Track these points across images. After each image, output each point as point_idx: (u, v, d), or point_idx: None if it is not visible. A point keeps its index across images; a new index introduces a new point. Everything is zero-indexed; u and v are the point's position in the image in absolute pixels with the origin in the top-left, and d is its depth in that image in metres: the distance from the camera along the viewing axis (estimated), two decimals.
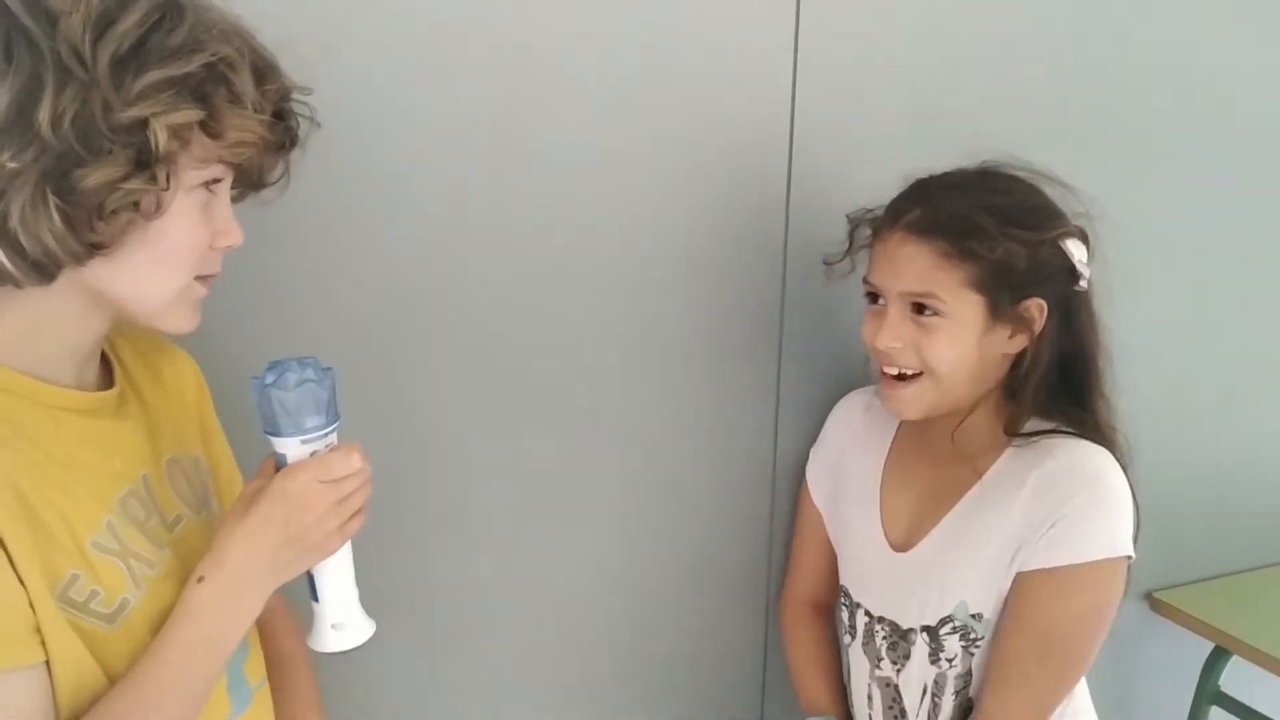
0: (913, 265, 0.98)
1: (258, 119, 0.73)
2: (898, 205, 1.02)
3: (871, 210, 1.07)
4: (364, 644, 0.82)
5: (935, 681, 1.03)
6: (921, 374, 1.00)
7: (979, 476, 1.02)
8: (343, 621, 0.81)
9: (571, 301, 1.18)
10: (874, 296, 1.04)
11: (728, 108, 1.19)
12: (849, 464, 1.16)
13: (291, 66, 0.78)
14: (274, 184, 0.83)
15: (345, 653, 0.82)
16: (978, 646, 1.01)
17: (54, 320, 0.73)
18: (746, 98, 1.20)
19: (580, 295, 1.18)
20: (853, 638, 1.11)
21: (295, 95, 0.79)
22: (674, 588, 1.33)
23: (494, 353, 1.15)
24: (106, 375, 0.81)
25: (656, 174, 1.18)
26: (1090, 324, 1.03)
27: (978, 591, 1.00)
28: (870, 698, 1.10)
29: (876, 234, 1.04)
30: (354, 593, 0.82)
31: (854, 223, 1.10)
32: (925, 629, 1.03)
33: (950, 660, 1.02)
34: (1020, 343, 1.00)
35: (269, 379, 0.76)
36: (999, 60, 1.34)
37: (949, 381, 0.99)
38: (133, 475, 0.78)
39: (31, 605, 0.67)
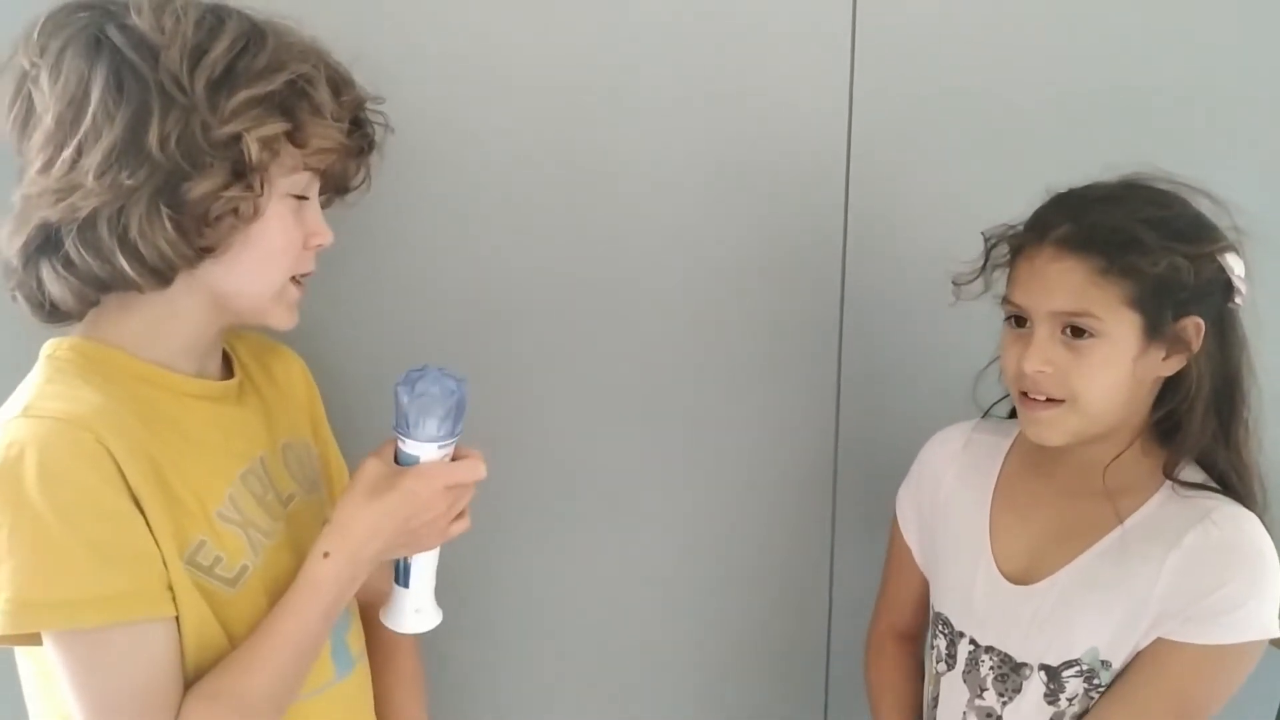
0: (1066, 282, 0.92)
1: (337, 127, 0.82)
2: (1044, 219, 0.96)
3: (1013, 226, 1.01)
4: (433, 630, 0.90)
5: None
6: (1064, 400, 0.94)
7: (1120, 519, 0.96)
8: (423, 607, 0.89)
9: (636, 308, 1.21)
10: (1017, 320, 0.98)
11: (785, 115, 1.21)
12: (950, 499, 1.10)
13: (367, 80, 0.87)
14: (356, 188, 0.92)
15: (418, 635, 0.90)
16: (1099, 690, 0.97)
17: (178, 318, 0.82)
18: (803, 104, 1.21)
19: (643, 300, 1.21)
20: (950, 667, 1.07)
21: (370, 105, 0.88)
22: (736, 589, 1.33)
23: (562, 355, 1.19)
24: (227, 368, 0.91)
25: (716, 180, 1.20)
26: (1243, 349, 0.97)
27: (1110, 639, 0.95)
28: None
29: (1019, 251, 0.98)
30: (434, 583, 0.89)
31: (991, 240, 1.03)
32: (1045, 668, 0.98)
33: (1070, 700, 0.98)
34: (1174, 365, 0.94)
35: (420, 388, 0.82)
36: (1065, 68, 1.30)
37: (1096, 409, 0.94)
38: (252, 455, 0.87)
39: (165, 565, 0.76)
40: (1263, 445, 0.99)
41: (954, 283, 1.06)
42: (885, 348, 1.31)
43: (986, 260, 1.04)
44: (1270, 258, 0.98)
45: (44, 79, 0.74)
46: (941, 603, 1.09)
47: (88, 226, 0.75)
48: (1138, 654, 0.95)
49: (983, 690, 1.03)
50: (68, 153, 0.73)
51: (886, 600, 1.20)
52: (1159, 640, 0.94)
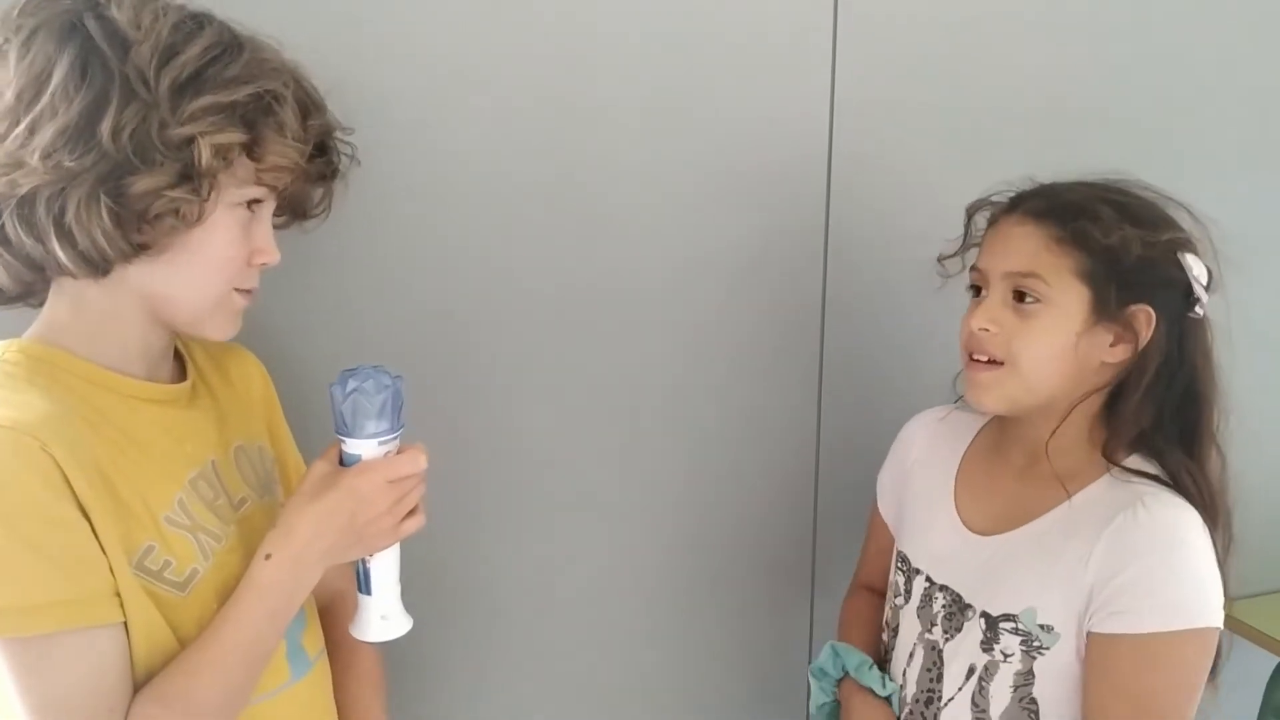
0: (1023, 246, 0.97)
1: (297, 148, 0.81)
2: (1021, 194, 1.03)
3: (993, 197, 1.07)
4: (403, 637, 0.89)
5: (985, 668, 1.02)
6: (1004, 363, 0.98)
7: (1069, 496, 0.99)
8: (389, 613, 0.88)
9: (618, 305, 1.22)
10: (978, 290, 1.03)
11: (767, 116, 1.23)
12: (920, 462, 1.16)
13: (345, 91, 0.87)
14: (316, 215, 0.92)
15: (385, 643, 0.89)
16: (1041, 653, 0.98)
17: (120, 320, 0.82)
18: (785, 104, 1.24)
19: (627, 298, 1.22)
20: (906, 601, 1.11)
21: (338, 134, 0.88)
22: (718, 582, 1.35)
23: (544, 353, 1.20)
24: (180, 370, 0.90)
25: (697, 180, 1.22)
26: (1205, 361, 0.99)
27: (1050, 605, 0.97)
28: (912, 655, 1.09)
29: (993, 221, 1.04)
30: (399, 588, 0.88)
31: (972, 211, 1.09)
32: (985, 615, 1.01)
33: (1006, 655, 1.00)
34: (1122, 353, 0.97)
35: (351, 385, 0.82)
36: (1043, 74, 1.35)
37: (1034, 376, 0.97)
38: (202, 459, 0.87)
39: (112, 571, 0.75)
40: (1228, 464, 1.01)
41: (939, 259, 1.10)
42: (867, 345, 1.34)
43: (967, 233, 1.08)
44: (1237, 274, 1.01)
45: (12, 55, 0.74)
46: (904, 543, 1.14)
47: (26, 204, 0.74)
48: (1080, 634, 0.97)
49: (932, 625, 1.07)
50: (20, 129, 0.73)
51: (863, 568, 1.27)
52: (1092, 637, 0.95)
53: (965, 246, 1.09)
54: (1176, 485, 0.97)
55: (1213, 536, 0.95)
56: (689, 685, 1.38)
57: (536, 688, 1.29)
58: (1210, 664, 0.94)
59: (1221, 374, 1.00)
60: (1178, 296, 0.97)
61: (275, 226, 0.87)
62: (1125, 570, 0.92)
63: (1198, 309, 0.98)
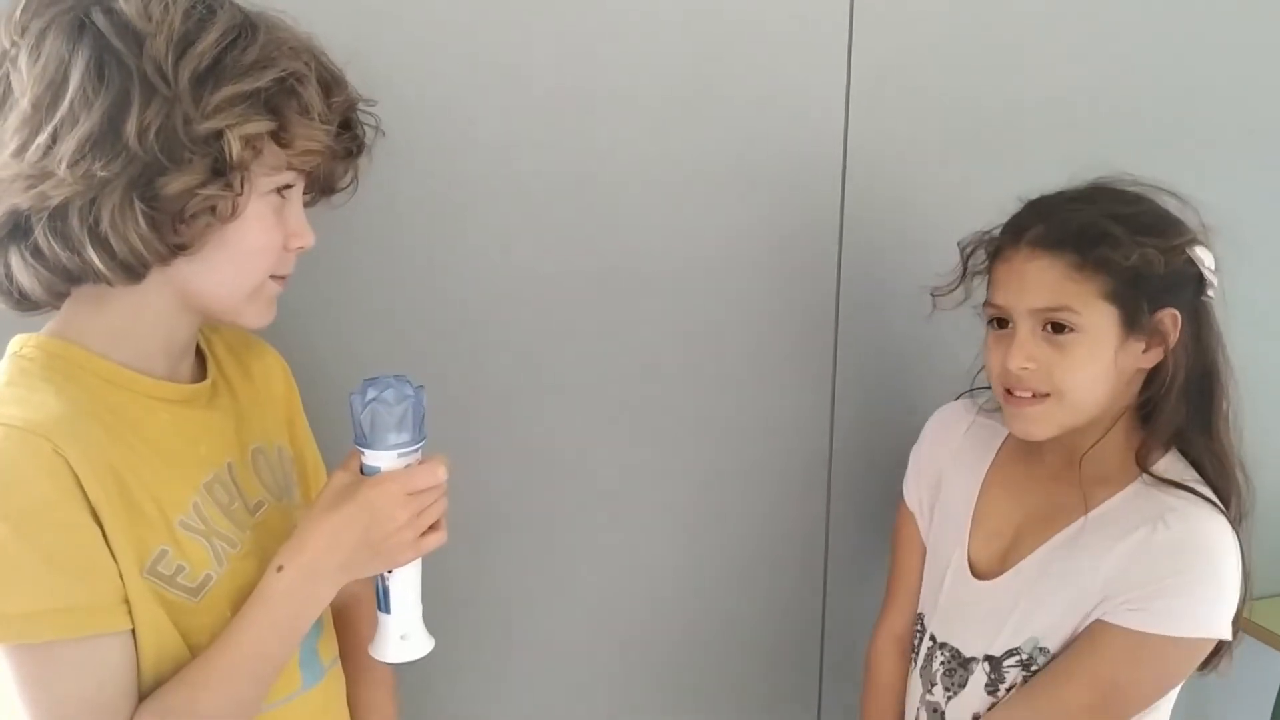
0: (1043, 280, 0.96)
1: (324, 129, 0.78)
2: (1018, 223, 1.01)
3: (987, 232, 1.05)
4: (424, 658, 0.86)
5: (990, 709, 1.00)
6: (1049, 395, 0.97)
7: (1085, 511, 0.99)
8: (409, 633, 0.84)
9: (630, 301, 1.20)
10: (999, 321, 1.01)
11: (782, 113, 1.21)
12: (946, 481, 1.13)
13: (361, 79, 0.84)
14: (343, 190, 0.89)
15: (406, 664, 0.85)
16: (1032, 670, 0.98)
17: (149, 317, 0.79)
18: (801, 105, 1.22)
19: (639, 294, 1.20)
20: (914, 663, 1.09)
21: (361, 106, 0.84)
22: (730, 585, 1.34)
23: (556, 351, 1.18)
24: (200, 368, 0.88)
25: (712, 178, 1.20)
26: (1215, 336, 1.01)
27: (1050, 627, 0.97)
28: None
29: (997, 255, 1.02)
30: (420, 607, 0.85)
31: (968, 248, 1.07)
32: (988, 658, 1.00)
33: (1009, 690, 0.99)
34: (1154, 357, 0.97)
35: (371, 394, 0.79)
36: (1059, 69, 1.33)
37: (1082, 402, 0.96)
38: (219, 462, 0.84)
39: (121, 577, 0.73)
40: (1242, 436, 1.02)
41: (932, 294, 1.09)
42: (881, 345, 1.33)
43: (965, 268, 1.07)
44: (1239, 254, 1.03)
45: (23, 60, 0.71)
46: (924, 599, 1.12)
47: (58, 216, 0.71)
48: (1076, 635, 0.96)
49: (932, 686, 1.06)
50: (42, 138, 0.70)
51: (898, 597, 1.17)
52: (1096, 621, 0.95)
53: (964, 278, 1.08)
54: (1205, 476, 0.98)
55: (1236, 529, 0.95)
56: (703, 685, 1.37)
57: (551, 689, 1.28)
58: (1190, 671, 0.95)
59: (1225, 347, 1.01)
60: (1192, 287, 0.98)
61: (304, 205, 0.84)
62: (1148, 584, 0.92)
63: (1209, 292, 0.99)
